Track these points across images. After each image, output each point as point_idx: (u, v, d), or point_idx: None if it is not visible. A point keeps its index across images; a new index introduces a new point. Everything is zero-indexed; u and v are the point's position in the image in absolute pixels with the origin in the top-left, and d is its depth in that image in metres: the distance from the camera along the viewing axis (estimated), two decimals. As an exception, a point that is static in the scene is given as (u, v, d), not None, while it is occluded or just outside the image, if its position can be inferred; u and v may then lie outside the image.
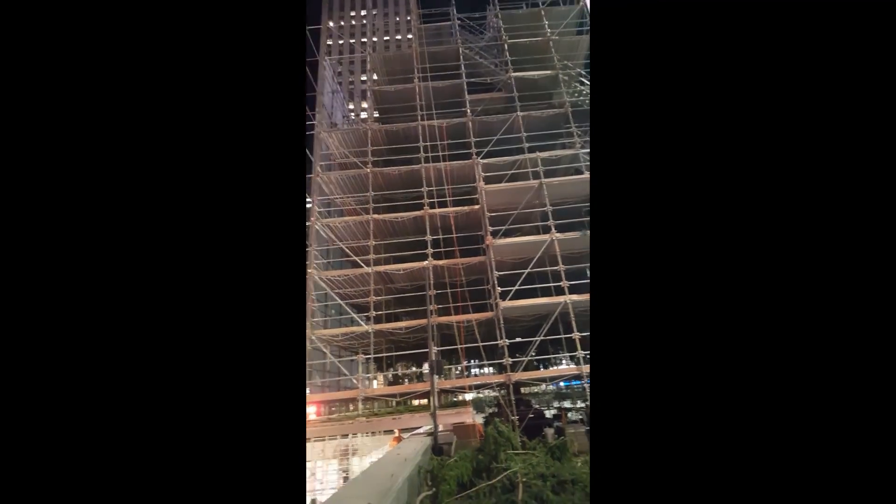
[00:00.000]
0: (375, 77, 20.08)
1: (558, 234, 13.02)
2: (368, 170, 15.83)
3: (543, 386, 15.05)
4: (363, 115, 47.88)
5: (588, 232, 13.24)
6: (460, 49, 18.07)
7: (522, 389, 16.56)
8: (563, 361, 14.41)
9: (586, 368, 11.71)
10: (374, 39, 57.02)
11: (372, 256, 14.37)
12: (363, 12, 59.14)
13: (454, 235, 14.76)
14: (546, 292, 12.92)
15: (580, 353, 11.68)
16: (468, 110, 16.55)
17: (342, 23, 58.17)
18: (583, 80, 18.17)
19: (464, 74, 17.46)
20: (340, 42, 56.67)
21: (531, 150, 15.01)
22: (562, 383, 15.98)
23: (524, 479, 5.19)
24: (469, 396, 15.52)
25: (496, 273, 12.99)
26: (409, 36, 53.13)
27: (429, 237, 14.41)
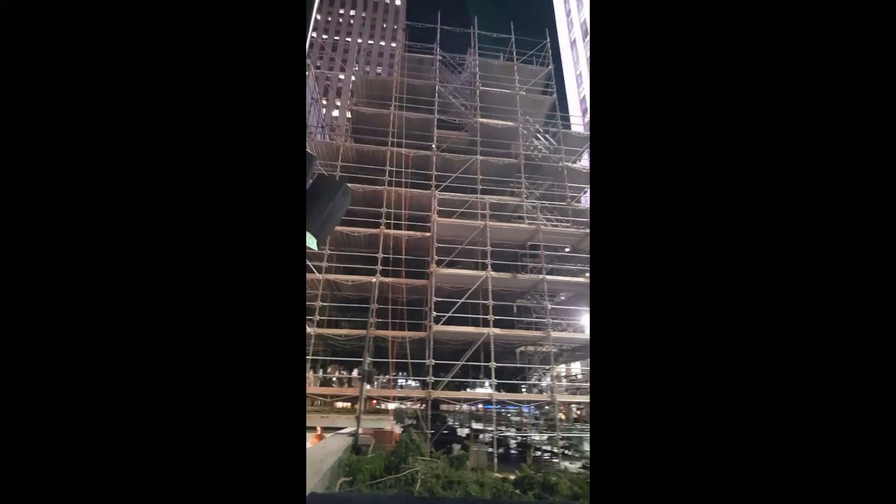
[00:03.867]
0: (355, 99, 21.07)
1: (493, 273, 14.87)
2: (334, 181, 16.67)
3: (462, 406, 16.42)
4: (345, 111, 47.85)
5: (516, 275, 15.28)
6: (437, 87, 19.70)
7: (442, 407, 18.04)
8: (486, 386, 16.09)
9: (496, 394, 13.51)
10: (360, 41, 57.43)
11: (325, 264, 15.27)
12: (352, 12, 59.38)
13: (403, 257, 16.11)
14: (474, 322, 14.64)
15: (494, 381, 13.46)
16: (434, 145, 18.13)
17: (329, 18, 58.02)
18: (539, 136, 20.46)
19: (436, 111, 19.04)
20: (325, 36, 56.43)
21: (483, 192, 16.83)
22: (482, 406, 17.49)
23: (423, 477, 6.71)
24: (391, 406, 16.76)
25: (434, 298, 14.51)
26: (394, 44, 54.58)
27: (380, 254, 15.63)
